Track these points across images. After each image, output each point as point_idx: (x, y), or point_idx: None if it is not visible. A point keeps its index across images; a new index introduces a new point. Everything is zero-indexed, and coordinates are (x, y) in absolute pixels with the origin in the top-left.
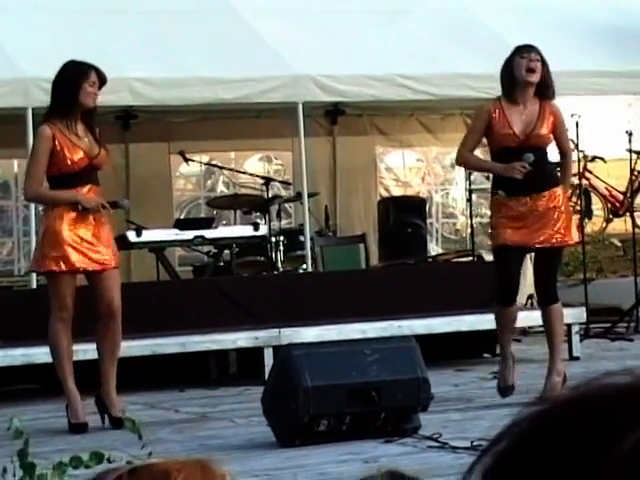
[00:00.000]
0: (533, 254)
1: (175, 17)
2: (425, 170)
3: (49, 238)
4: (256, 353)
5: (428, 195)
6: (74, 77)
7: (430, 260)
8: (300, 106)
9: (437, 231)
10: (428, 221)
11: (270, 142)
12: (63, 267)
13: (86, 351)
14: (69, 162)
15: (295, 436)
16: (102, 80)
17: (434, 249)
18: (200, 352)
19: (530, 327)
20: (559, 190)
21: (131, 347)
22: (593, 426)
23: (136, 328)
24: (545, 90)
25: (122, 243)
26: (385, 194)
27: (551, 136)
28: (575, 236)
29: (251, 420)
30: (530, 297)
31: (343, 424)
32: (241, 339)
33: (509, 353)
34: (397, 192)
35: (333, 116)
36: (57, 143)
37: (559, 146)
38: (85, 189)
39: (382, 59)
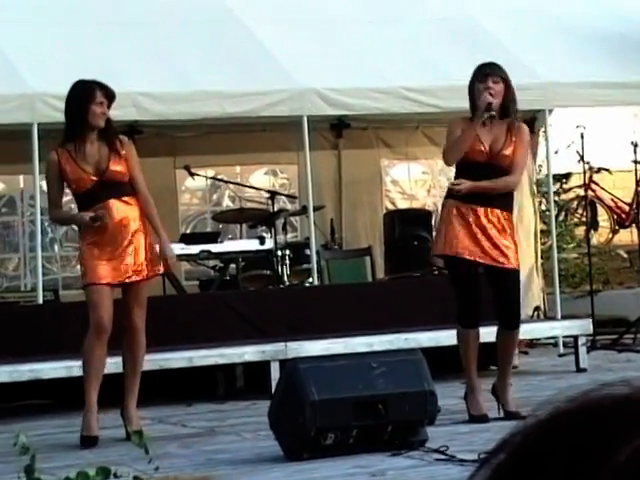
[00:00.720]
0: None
1: (180, 30)
2: (431, 183)
3: (79, 255)
4: (263, 367)
5: (434, 208)
6: (81, 99)
7: (436, 272)
8: (305, 119)
9: None
10: (434, 234)
11: (275, 156)
12: (88, 281)
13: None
14: (73, 185)
15: (302, 450)
16: (110, 96)
17: (440, 262)
18: (207, 366)
19: (537, 339)
20: (509, 216)
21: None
22: (590, 437)
23: None
24: (505, 111)
25: None
26: (391, 207)
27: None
28: (516, 263)
29: (258, 434)
30: (537, 309)
31: (350, 437)
32: (248, 353)
33: (476, 378)
34: (403, 205)
35: (338, 129)
36: (62, 167)
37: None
38: (109, 203)
39: (387, 71)
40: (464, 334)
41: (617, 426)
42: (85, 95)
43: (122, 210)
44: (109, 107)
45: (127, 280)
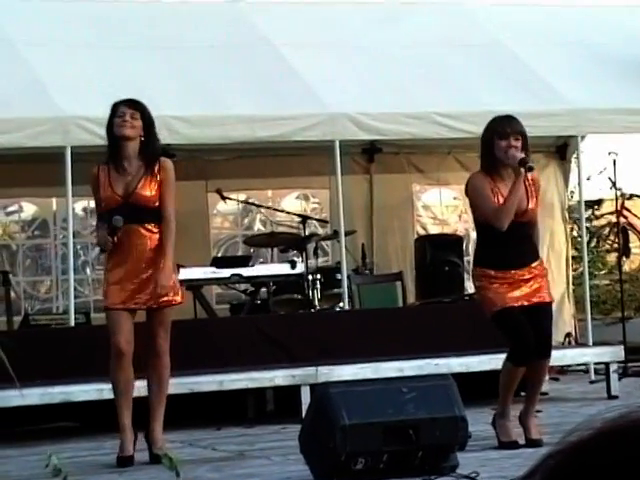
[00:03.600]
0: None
1: (213, 54)
2: (462, 208)
3: (103, 278)
4: (293, 391)
5: (465, 233)
6: (109, 118)
7: (467, 298)
8: (337, 144)
9: None
10: (465, 259)
11: (307, 180)
12: (109, 304)
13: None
14: (103, 203)
15: (332, 474)
16: (136, 107)
17: (471, 287)
18: (237, 390)
19: (568, 366)
20: (540, 262)
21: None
22: (623, 458)
23: (174, 366)
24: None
25: None
26: (422, 232)
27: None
28: (551, 297)
29: (288, 458)
30: (568, 335)
31: (380, 462)
32: (278, 377)
33: (510, 405)
34: (434, 230)
35: (370, 154)
36: (99, 183)
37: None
38: (130, 227)
39: (418, 97)
40: (514, 370)
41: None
42: (111, 112)
43: (143, 237)
44: (143, 120)
45: (144, 307)
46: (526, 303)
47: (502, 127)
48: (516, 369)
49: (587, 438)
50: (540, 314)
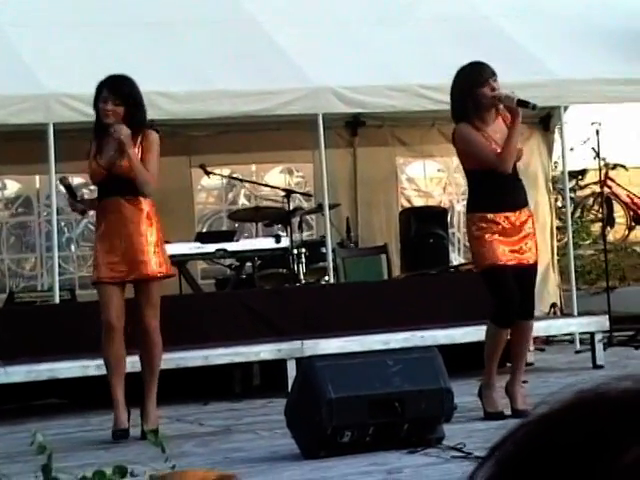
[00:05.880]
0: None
1: (195, 29)
2: (446, 180)
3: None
4: (279, 365)
5: (449, 205)
6: (95, 100)
7: (452, 270)
8: (320, 118)
9: (459, 241)
10: (450, 231)
11: (291, 154)
12: (95, 278)
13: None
14: (91, 178)
15: (319, 448)
16: (116, 91)
17: (456, 259)
18: (223, 365)
19: (553, 336)
20: (530, 213)
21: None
22: (595, 432)
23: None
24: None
25: None
26: (406, 205)
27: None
28: (536, 257)
29: (275, 432)
30: (553, 305)
31: (367, 435)
32: (264, 351)
33: (495, 376)
34: (418, 202)
35: (353, 127)
36: (90, 157)
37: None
38: (114, 200)
39: (401, 69)
40: (498, 333)
41: (625, 423)
42: (96, 94)
43: (125, 209)
44: (125, 102)
45: (129, 279)
46: (514, 262)
47: (479, 74)
48: (500, 332)
49: (557, 410)
50: (525, 276)
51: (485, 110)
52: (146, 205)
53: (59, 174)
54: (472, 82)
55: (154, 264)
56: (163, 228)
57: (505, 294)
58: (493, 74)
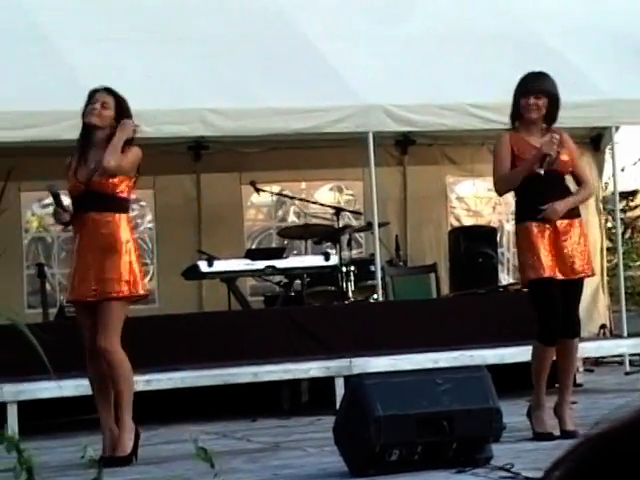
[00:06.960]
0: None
1: (245, 47)
2: (496, 200)
3: None
4: (328, 383)
5: (499, 225)
6: (85, 104)
7: (501, 290)
8: (371, 136)
9: (508, 261)
10: (499, 250)
11: (341, 172)
12: (70, 298)
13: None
14: (69, 192)
15: (367, 466)
16: (108, 95)
17: (505, 279)
18: (272, 382)
19: (602, 357)
20: (580, 220)
21: (203, 377)
22: None
23: (208, 358)
24: (549, 120)
25: (194, 273)
26: (456, 223)
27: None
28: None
29: (323, 450)
30: (603, 326)
31: (415, 454)
32: (313, 369)
33: (544, 396)
34: (468, 222)
35: (403, 146)
36: (69, 171)
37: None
38: (88, 216)
39: (452, 88)
40: (544, 351)
41: None
42: (87, 99)
43: (99, 226)
44: (116, 109)
45: (89, 299)
46: (561, 276)
47: (525, 84)
48: (545, 350)
49: (617, 426)
50: (570, 290)
51: (526, 120)
52: (122, 221)
53: None
54: (518, 90)
55: (117, 283)
56: (211, 245)
57: (548, 311)
58: (538, 90)
